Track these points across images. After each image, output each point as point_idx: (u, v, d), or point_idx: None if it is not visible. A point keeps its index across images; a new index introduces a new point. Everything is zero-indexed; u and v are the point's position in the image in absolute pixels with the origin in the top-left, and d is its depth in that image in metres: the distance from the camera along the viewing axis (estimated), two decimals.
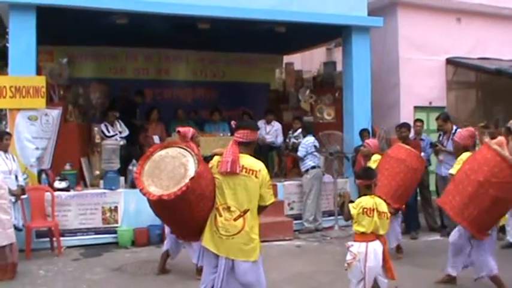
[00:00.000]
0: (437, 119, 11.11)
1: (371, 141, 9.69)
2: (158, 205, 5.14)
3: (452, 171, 7.22)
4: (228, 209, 5.33)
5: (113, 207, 10.34)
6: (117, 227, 10.33)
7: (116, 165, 10.58)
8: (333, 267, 8.52)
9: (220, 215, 5.34)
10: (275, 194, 11.29)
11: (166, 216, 5.47)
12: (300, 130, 12.54)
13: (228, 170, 5.30)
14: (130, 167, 10.55)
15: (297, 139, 12.45)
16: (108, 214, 10.30)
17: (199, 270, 7.20)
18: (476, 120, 14.41)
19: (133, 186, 9.98)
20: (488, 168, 6.52)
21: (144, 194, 5.03)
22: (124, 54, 15.15)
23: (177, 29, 12.12)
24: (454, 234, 7.35)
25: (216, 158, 5.54)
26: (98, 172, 11.03)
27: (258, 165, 5.47)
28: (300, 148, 11.72)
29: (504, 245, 9.79)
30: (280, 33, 12.64)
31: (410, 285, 7.45)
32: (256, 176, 5.39)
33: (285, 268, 8.53)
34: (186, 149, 5.28)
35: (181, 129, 7.59)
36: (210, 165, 5.49)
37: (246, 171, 5.37)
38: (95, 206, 10.25)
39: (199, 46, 14.86)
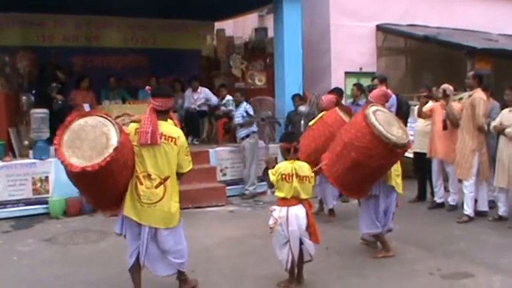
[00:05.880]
0: (373, 78, 11.09)
1: (324, 97, 9.67)
2: (80, 177, 5.00)
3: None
4: (149, 176, 5.35)
5: (43, 178, 10.15)
6: (48, 197, 10.14)
7: (46, 134, 10.36)
8: (265, 232, 8.49)
9: (141, 183, 5.35)
10: (207, 160, 11.36)
11: (87, 187, 5.32)
12: (228, 97, 12.57)
13: (149, 142, 5.29)
14: None
15: (226, 106, 12.49)
16: (38, 184, 10.12)
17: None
18: (405, 85, 14.74)
19: None
20: (354, 131, 6.69)
21: (66, 166, 4.88)
22: (52, 21, 14.77)
23: None
24: None
25: (132, 125, 5.50)
26: (27, 142, 10.78)
27: (176, 132, 5.51)
28: (238, 115, 11.61)
29: (431, 206, 10.09)
30: None
31: (340, 246, 7.62)
32: (175, 143, 5.44)
33: (217, 233, 8.59)
34: (106, 118, 5.18)
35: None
36: (127, 131, 5.42)
37: (165, 139, 5.39)
38: (25, 176, 10.05)
39: (129, 12, 14.62)
